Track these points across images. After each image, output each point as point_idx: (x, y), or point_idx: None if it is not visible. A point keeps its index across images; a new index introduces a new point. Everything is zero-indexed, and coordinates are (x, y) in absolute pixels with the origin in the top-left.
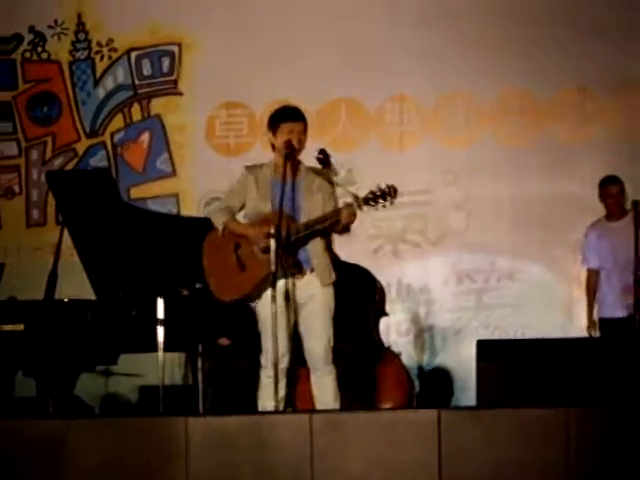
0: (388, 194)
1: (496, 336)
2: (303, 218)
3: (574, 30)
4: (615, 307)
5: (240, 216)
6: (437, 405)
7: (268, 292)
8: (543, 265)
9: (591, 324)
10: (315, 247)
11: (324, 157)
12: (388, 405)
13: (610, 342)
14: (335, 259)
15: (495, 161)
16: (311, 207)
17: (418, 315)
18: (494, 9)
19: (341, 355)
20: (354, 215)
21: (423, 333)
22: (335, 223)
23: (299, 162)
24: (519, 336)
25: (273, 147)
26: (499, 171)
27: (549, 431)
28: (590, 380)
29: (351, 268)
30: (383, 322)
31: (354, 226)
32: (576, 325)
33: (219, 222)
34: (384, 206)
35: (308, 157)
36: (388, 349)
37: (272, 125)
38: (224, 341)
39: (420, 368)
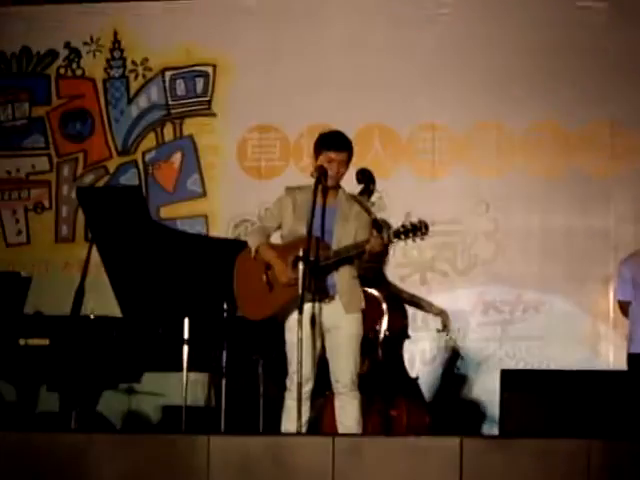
0: (419, 229)
1: (521, 367)
2: (333, 244)
3: (605, 64)
4: None
5: (277, 236)
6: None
7: (295, 316)
8: (570, 298)
9: None
10: (342, 274)
11: (362, 177)
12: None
13: (635, 376)
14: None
15: (526, 192)
16: (342, 234)
17: (443, 344)
18: (526, 42)
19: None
20: (382, 247)
21: (448, 362)
22: (362, 253)
23: (339, 187)
24: (544, 368)
25: None
26: (530, 202)
27: (571, 462)
28: (614, 413)
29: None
30: (409, 351)
31: None
32: (601, 359)
33: (253, 244)
34: (414, 241)
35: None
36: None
37: (316, 148)
38: None
39: (444, 397)
